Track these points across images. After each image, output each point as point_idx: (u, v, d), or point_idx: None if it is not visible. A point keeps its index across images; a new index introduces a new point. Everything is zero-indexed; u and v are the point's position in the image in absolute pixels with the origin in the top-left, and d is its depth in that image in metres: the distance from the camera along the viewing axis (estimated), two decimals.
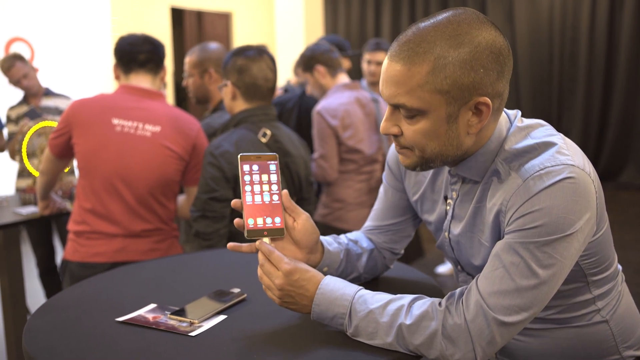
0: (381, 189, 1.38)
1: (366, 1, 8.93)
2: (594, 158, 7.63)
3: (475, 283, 1.02)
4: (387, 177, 1.35)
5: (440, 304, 1.03)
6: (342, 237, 1.34)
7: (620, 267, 1.25)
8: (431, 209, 1.25)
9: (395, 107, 1.04)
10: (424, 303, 1.03)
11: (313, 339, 1.08)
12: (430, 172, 1.24)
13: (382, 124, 1.07)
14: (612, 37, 7.36)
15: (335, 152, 2.70)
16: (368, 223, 1.40)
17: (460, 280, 1.27)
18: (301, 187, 2.27)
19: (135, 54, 2.21)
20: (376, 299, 1.06)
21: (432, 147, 1.03)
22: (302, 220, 1.17)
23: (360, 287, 1.10)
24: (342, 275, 1.30)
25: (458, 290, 1.05)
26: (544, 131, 1.08)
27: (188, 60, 2.70)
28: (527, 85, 7.95)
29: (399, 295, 1.07)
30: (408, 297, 1.06)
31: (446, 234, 1.20)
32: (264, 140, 2.10)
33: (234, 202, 1.13)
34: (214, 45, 2.73)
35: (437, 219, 1.24)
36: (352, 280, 1.32)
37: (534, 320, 1.16)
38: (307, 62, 2.85)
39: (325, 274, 1.23)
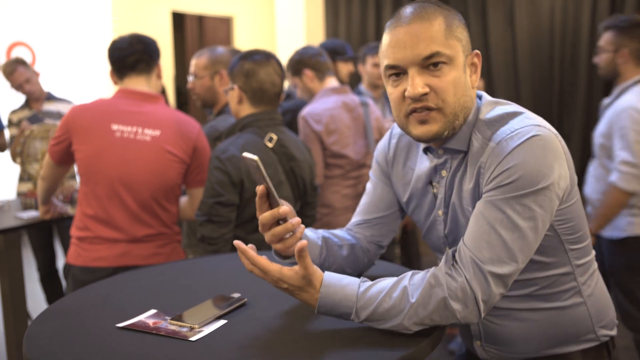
0: (369, 185, 1.43)
1: (367, 5, 8.95)
2: None
3: (463, 244, 1.10)
4: (375, 172, 1.41)
5: (437, 268, 1.09)
6: (319, 230, 1.37)
7: (593, 251, 1.32)
8: (420, 201, 1.31)
9: (422, 66, 1.11)
10: (424, 276, 1.09)
11: (314, 344, 1.08)
12: (415, 171, 1.30)
13: (411, 88, 1.11)
14: None
15: (320, 157, 2.68)
16: (355, 218, 1.43)
17: None
18: (306, 192, 2.27)
19: (123, 58, 2.19)
20: (378, 288, 1.09)
21: (458, 97, 1.12)
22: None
23: (359, 282, 1.11)
24: (324, 265, 1.32)
25: (450, 254, 1.11)
26: (510, 106, 1.19)
27: (196, 62, 2.70)
28: (528, 89, 7.95)
29: (396, 279, 1.11)
30: (406, 277, 1.10)
31: (440, 212, 1.26)
32: (270, 144, 2.10)
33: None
34: (222, 49, 2.74)
35: (428, 207, 1.29)
36: (335, 271, 1.32)
37: (521, 298, 1.24)
38: (295, 66, 2.83)
39: None
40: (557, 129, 7.75)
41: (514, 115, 1.14)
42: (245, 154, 1.09)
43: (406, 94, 1.12)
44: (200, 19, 8.70)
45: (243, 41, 8.68)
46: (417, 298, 1.06)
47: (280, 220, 1.13)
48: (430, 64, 1.10)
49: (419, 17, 1.11)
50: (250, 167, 1.12)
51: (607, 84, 7.46)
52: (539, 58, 7.84)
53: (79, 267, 2.12)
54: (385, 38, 1.16)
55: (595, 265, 1.30)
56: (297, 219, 1.13)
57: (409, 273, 1.11)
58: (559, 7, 7.63)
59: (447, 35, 1.11)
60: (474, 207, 1.16)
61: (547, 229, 1.11)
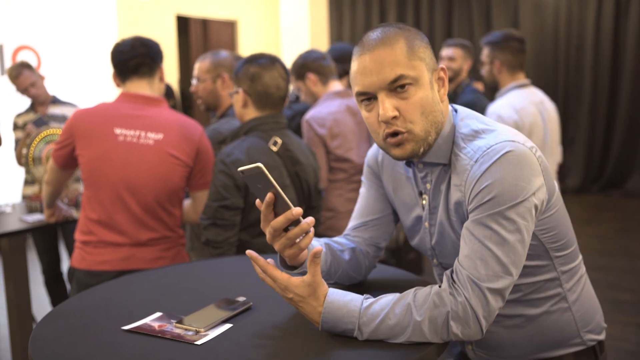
0: (362, 189, 1.46)
1: (371, 8, 8.96)
2: (600, 166, 7.60)
3: (459, 265, 1.12)
4: (367, 176, 1.44)
5: (441, 288, 1.11)
6: (320, 239, 1.38)
7: (580, 256, 1.35)
8: (409, 210, 1.34)
9: (390, 90, 1.15)
10: (427, 296, 1.10)
11: (320, 348, 1.07)
12: (403, 173, 1.33)
13: (381, 112, 1.15)
14: (618, 44, 7.35)
15: (324, 161, 2.68)
16: (352, 222, 1.44)
17: (437, 273, 1.37)
18: (310, 196, 2.27)
19: (125, 61, 2.19)
20: (381, 305, 1.10)
21: (427, 115, 1.16)
22: None
23: (362, 299, 1.12)
24: (330, 271, 1.33)
25: (449, 274, 1.13)
26: (484, 120, 1.23)
27: (199, 65, 2.72)
28: None
29: (399, 296, 1.12)
30: (409, 294, 1.11)
31: (426, 223, 1.29)
32: (274, 148, 2.10)
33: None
34: (225, 53, 2.76)
35: (415, 217, 1.32)
36: (340, 277, 1.36)
37: (508, 304, 1.25)
38: (299, 70, 2.83)
39: None
40: (562, 132, 7.75)
41: (488, 131, 1.18)
42: (243, 167, 1.06)
43: (379, 117, 1.16)
44: (205, 23, 8.72)
45: (247, 45, 8.69)
46: (422, 317, 1.07)
47: (290, 225, 1.11)
48: (397, 86, 1.14)
49: (381, 42, 1.15)
50: (249, 180, 1.08)
51: (611, 88, 7.45)
52: (543, 61, 7.83)
53: (83, 271, 2.13)
54: (353, 65, 1.19)
55: (582, 270, 1.33)
56: (311, 218, 1.13)
57: (412, 290, 1.12)
58: (564, 11, 7.62)
59: (410, 57, 1.15)
60: (458, 219, 1.20)
61: (531, 238, 1.14)
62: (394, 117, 1.15)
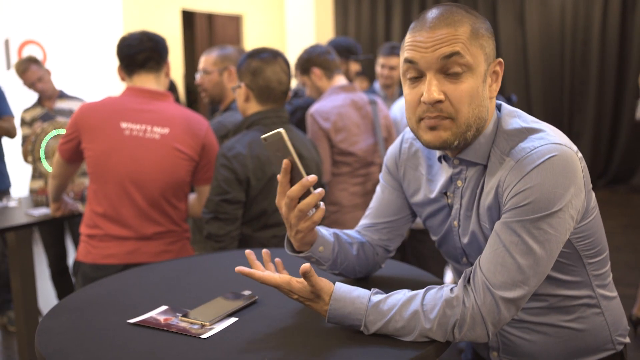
0: (378, 188, 1.42)
1: (376, 3, 8.94)
2: (606, 161, 7.57)
3: (478, 265, 1.09)
4: (384, 176, 1.40)
5: (452, 290, 1.08)
6: (329, 229, 1.37)
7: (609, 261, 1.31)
8: (434, 211, 1.29)
9: (440, 71, 1.08)
10: (437, 301, 1.07)
11: (325, 341, 1.08)
12: (426, 178, 1.29)
13: (427, 93, 1.07)
14: (624, 39, 7.32)
15: (328, 154, 2.69)
16: (363, 221, 1.42)
17: (459, 274, 1.32)
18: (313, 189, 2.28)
19: (133, 55, 2.19)
20: (389, 304, 1.09)
21: (473, 107, 1.09)
22: None
23: (370, 295, 1.11)
24: (337, 260, 1.30)
25: (467, 273, 1.10)
26: (530, 119, 1.16)
27: (206, 58, 2.74)
28: (538, 88, 7.92)
29: (408, 296, 1.10)
30: (419, 297, 1.09)
31: (455, 222, 1.24)
32: None
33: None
34: (231, 48, 2.81)
35: (442, 217, 1.28)
36: (346, 269, 1.33)
37: (540, 311, 1.23)
38: (304, 64, 2.84)
39: (321, 253, 1.25)
40: (567, 127, 7.75)
41: (533, 131, 1.11)
42: (265, 135, 1.07)
43: (422, 98, 1.08)
44: (210, 17, 8.72)
45: (253, 39, 8.69)
46: (430, 325, 1.06)
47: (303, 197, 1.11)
48: (449, 71, 1.07)
49: (445, 22, 1.07)
50: (270, 148, 1.10)
51: (618, 82, 7.41)
52: (549, 56, 7.80)
53: (89, 265, 2.14)
54: (407, 38, 1.12)
55: (611, 274, 1.29)
56: (321, 189, 1.11)
57: (421, 292, 1.10)
58: (570, 5, 7.59)
59: (472, 43, 1.07)
60: (491, 224, 1.14)
61: (560, 249, 1.09)
62: (439, 101, 1.07)
